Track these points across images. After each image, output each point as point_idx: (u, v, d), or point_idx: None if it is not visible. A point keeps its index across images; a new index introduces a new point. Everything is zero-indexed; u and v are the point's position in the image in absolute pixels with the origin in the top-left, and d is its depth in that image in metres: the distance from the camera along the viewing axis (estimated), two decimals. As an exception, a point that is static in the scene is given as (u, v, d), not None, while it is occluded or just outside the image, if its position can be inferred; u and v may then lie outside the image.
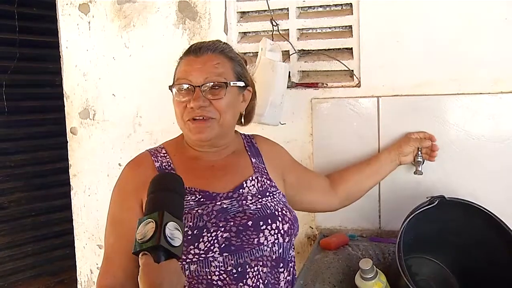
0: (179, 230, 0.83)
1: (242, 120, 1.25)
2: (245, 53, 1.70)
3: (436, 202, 1.21)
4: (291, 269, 1.16)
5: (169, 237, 0.80)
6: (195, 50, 1.15)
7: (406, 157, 1.44)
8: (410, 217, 1.18)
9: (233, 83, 1.15)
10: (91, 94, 1.94)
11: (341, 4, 1.57)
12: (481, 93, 1.42)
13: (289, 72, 1.58)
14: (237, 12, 1.69)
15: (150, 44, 1.82)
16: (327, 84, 1.59)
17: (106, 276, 1.10)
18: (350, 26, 1.55)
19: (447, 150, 1.45)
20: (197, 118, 1.11)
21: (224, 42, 1.21)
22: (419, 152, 1.42)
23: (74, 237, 2.06)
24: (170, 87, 1.16)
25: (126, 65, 1.86)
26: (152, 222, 0.81)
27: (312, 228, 1.67)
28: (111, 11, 1.86)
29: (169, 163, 1.16)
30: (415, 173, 1.43)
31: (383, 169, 1.44)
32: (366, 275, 1.14)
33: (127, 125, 1.90)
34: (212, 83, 1.11)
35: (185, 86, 1.12)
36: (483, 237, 1.23)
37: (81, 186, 2.01)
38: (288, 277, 1.14)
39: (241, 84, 1.18)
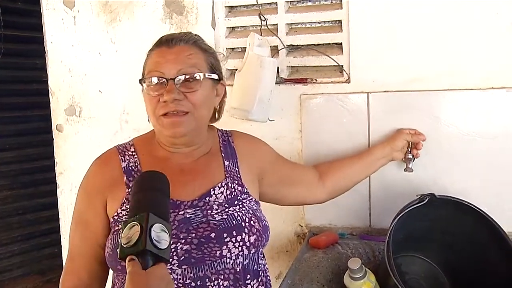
0: (166, 232, 0.80)
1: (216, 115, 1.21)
2: (233, 49, 1.67)
3: (426, 200, 1.19)
4: (264, 278, 1.12)
5: (155, 240, 0.77)
6: (167, 41, 1.09)
7: (398, 153, 1.42)
8: (400, 215, 1.16)
9: (208, 75, 1.09)
10: (77, 91, 1.91)
11: (331, -2, 1.54)
12: (472, 89, 1.40)
13: (278, 67, 1.55)
14: (225, 6, 1.66)
15: (136, 39, 1.78)
16: (316, 80, 1.56)
17: (70, 277, 1.10)
18: (340, 21, 1.53)
19: (438, 146, 1.43)
20: (171, 112, 1.05)
21: (196, 34, 1.15)
22: (409, 149, 1.41)
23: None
24: (141, 81, 1.10)
25: (113, 61, 1.83)
26: (137, 225, 0.78)
27: (302, 226, 1.64)
28: (96, 5, 1.82)
29: (136, 164, 1.12)
30: (405, 170, 1.41)
31: (375, 164, 1.41)
32: (354, 274, 1.12)
33: (113, 122, 1.86)
34: (186, 75, 1.05)
35: (157, 79, 1.05)
36: (473, 235, 1.22)
37: (67, 184, 1.98)
38: (261, 287, 1.11)
39: (215, 77, 1.12)
